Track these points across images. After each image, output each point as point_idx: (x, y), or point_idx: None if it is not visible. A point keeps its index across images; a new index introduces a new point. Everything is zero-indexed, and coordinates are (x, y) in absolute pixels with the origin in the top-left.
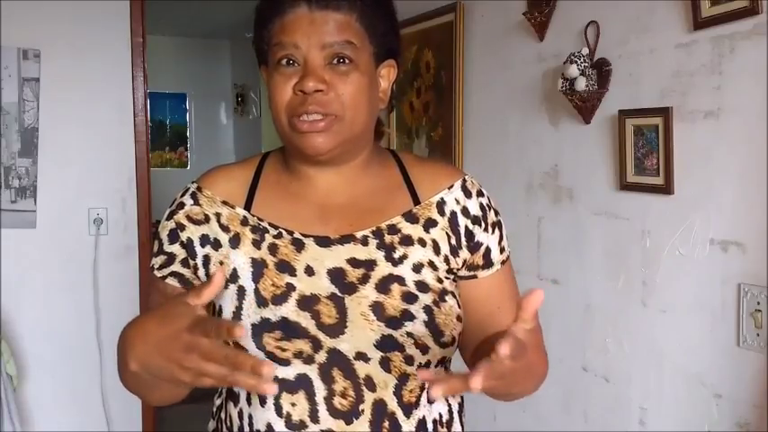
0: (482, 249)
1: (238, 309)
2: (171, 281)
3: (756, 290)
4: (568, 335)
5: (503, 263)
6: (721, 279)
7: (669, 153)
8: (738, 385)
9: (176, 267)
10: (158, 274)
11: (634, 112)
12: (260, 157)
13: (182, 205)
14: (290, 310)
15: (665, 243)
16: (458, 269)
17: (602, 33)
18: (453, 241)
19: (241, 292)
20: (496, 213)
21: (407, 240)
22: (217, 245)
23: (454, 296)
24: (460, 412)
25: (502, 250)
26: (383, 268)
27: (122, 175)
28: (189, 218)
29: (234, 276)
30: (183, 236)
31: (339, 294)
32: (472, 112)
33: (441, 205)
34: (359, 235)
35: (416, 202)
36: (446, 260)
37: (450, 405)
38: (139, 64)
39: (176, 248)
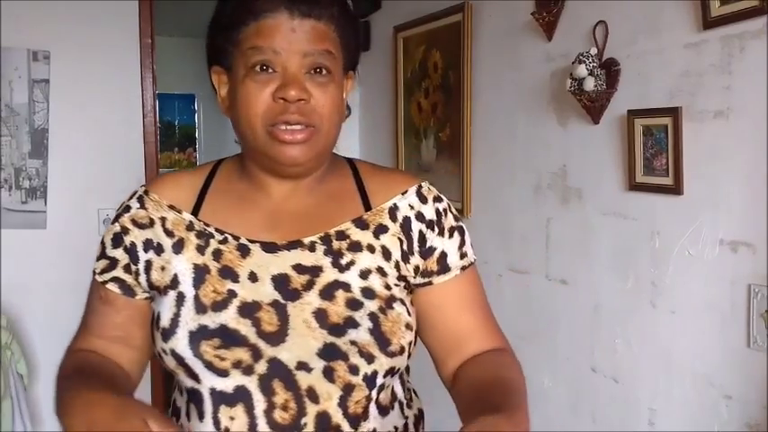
0: (436, 254)
1: (176, 315)
2: (111, 286)
3: (766, 290)
4: (577, 335)
5: (464, 269)
6: (731, 280)
7: (678, 153)
8: (748, 386)
9: (118, 273)
10: (99, 279)
11: (643, 112)
12: (213, 164)
13: (128, 209)
14: (229, 317)
15: (675, 244)
16: (410, 276)
17: (611, 33)
18: (405, 246)
19: (180, 298)
20: (456, 219)
21: (356, 246)
22: (159, 250)
23: (403, 303)
24: (418, 424)
25: (463, 256)
26: (329, 274)
27: (132, 176)
28: (134, 221)
29: (174, 282)
30: (127, 240)
31: (281, 301)
32: (480, 113)
33: (393, 211)
34: (306, 241)
35: (369, 209)
36: (396, 266)
37: (406, 417)
38: (148, 65)
39: (119, 253)
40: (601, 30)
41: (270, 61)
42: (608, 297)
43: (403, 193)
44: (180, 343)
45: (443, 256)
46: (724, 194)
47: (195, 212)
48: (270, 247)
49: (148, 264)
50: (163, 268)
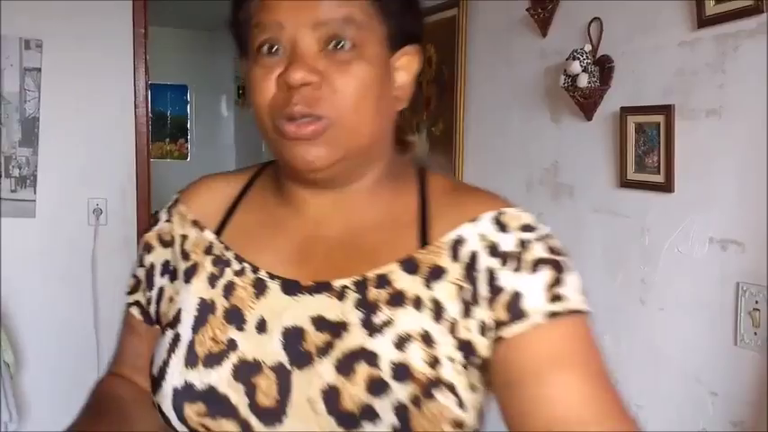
0: (506, 294)
1: (165, 364)
2: (134, 310)
3: (755, 289)
4: None
5: (554, 316)
6: (720, 278)
7: (670, 151)
8: (734, 384)
9: (139, 296)
10: (125, 299)
11: (636, 110)
12: (257, 168)
13: (158, 220)
14: (221, 377)
15: (665, 241)
16: (476, 340)
17: (606, 30)
18: (468, 295)
19: (175, 341)
20: (553, 251)
21: (398, 299)
22: (174, 276)
23: (453, 391)
24: None
25: (554, 299)
26: (354, 337)
27: (122, 165)
28: (159, 237)
29: (176, 320)
30: (148, 260)
31: (287, 366)
32: (473, 108)
33: (456, 245)
34: (336, 284)
35: (425, 242)
36: (452, 328)
37: None
38: (141, 55)
39: (141, 273)
40: (595, 27)
41: (275, 38)
42: (597, 293)
43: (473, 220)
44: (165, 401)
45: (516, 296)
46: (714, 193)
47: (220, 230)
48: (291, 287)
49: (161, 292)
50: (171, 299)
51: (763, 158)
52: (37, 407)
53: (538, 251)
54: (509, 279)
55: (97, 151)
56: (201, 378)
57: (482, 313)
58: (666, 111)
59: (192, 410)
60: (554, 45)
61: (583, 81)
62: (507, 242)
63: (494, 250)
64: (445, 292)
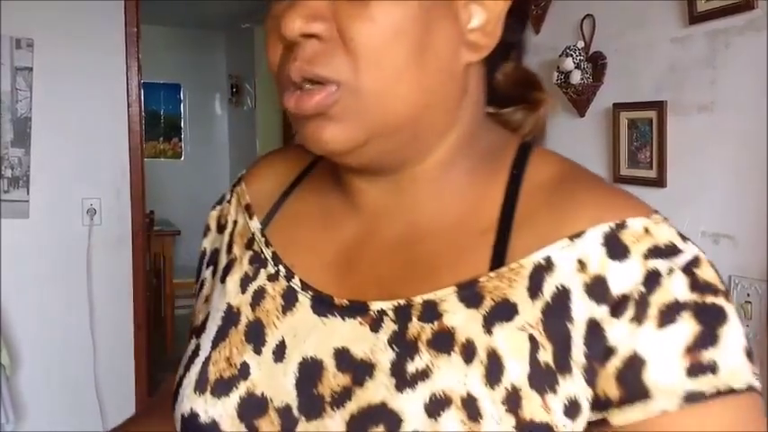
0: (617, 360)
1: (180, 380)
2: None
3: (746, 282)
4: None
5: (693, 398)
6: None
7: (663, 146)
8: None
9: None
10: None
11: (628, 106)
12: None
13: (222, 199)
14: (226, 411)
15: None
16: (547, 426)
17: (598, 27)
18: (547, 356)
19: (194, 355)
20: (702, 289)
21: (443, 341)
22: (216, 269)
23: None
24: None
25: (697, 370)
26: (378, 387)
27: (116, 165)
28: (218, 220)
29: (202, 326)
30: (203, 244)
31: (294, 413)
32: None
33: (539, 273)
34: (373, 308)
35: (500, 261)
36: (510, 401)
37: None
38: (134, 54)
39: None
40: (588, 23)
41: None
42: None
43: (573, 237)
44: (177, 425)
45: (635, 364)
46: (707, 187)
47: (268, 220)
48: (322, 305)
49: (202, 285)
50: (207, 299)
51: (754, 152)
52: (33, 407)
53: (677, 290)
54: (624, 335)
55: (90, 151)
56: (207, 408)
57: (573, 386)
58: (659, 107)
59: None
60: (547, 42)
61: (576, 78)
62: (625, 276)
63: (599, 289)
64: (510, 342)
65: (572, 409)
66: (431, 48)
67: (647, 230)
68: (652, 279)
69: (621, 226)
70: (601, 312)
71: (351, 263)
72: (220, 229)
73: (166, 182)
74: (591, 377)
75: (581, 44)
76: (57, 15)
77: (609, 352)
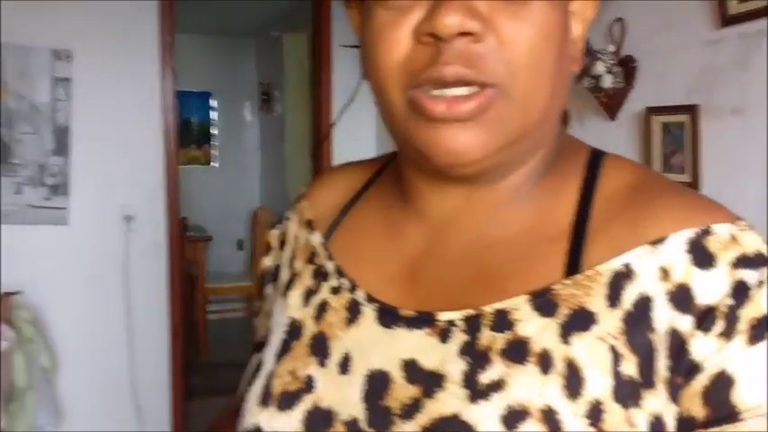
0: (704, 377)
1: (244, 395)
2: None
3: None
4: None
5: None
6: None
7: (696, 150)
8: None
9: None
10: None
11: (661, 110)
12: (388, 156)
13: (283, 217)
14: (291, 425)
15: None
16: None
17: (628, 30)
18: (630, 369)
19: (257, 369)
20: None
21: (517, 350)
22: (277, 285)
23: None
24: None
25: None
26: (449, 398)
27: (151, 172)
28: (280, 237)
29: (263, 342)
30: (264, 263)
31: (361, 426)
32: None
33: (618, 281)
34: (442, 319)
35: (575, 269)
36: (593, 414)
37: None
38: (168, 63)
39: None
40: (618, 27)
41: None
42: None
43: (654, 243)
44: None
45: (723, 382)
46: (741, 191)
47: (330, 233)
48: (387, 316)
49: (264, 302)
50: (269, 314)
51: None
52: (73, 408)
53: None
54: (711, 351)
55: (127, 158)
56: (271, 422)
57: (656, 402)
58: (692, 110)
59: None
60: None
61: (606, 82)
62: (711, 286)
63: (683, 299)
64: (589, 352)
65: (657, 426)
66: (564, 55)
67: (733, 238)
68: (740, 291)
69: (707, 232)
70: (685, 323)
71: (416, 274)
72: (282, 245)
73: (198, 188)
74: (673, 392)
75: (611, 48)
76: (94, 27)
77: (694, 368)
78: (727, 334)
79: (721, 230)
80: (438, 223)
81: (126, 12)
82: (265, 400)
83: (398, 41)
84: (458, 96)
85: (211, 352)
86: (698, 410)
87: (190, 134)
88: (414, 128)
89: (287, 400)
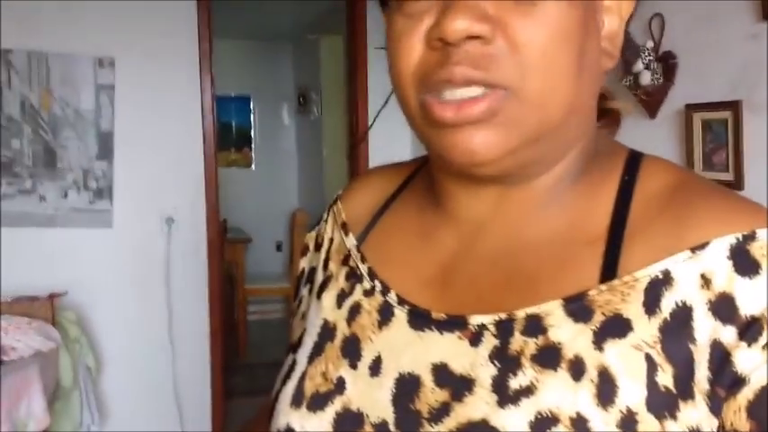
0: (749, 391)
1: (277, 394)
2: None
3: None
4: None
5: None
6: None
7: (739, 147)
8: None
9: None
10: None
11: (702, 106)
12: (423, 158)
13: (320, 219)
14: (322, 426)
15: None
16: None
17: (668, 26)
18: (666, 379)
19: (290, 370)
20: None
21: (549, 356)
22: (312, 287)
23: None
24: None
25: None
26: (478, 403)
27: (192, 175)
28: (316, 239)
29: (298, 343)
30: (301, 264)
31: (391, 429)
32: None
33: (656, 288)
34: (473, 322)
35: (611, 274)
36: (626, 424)
37: None
38: (207, 68)
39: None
40: (657, 22)
41: None
42: None
43: (695, 248)
44: None
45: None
46: None
47: (364, 236)
48: (419, 319)
49: (299, 303)
50: (304, 315)
51: None
52: (116, 408)
53: None
54: (757, 364)
55: (168, 162)
56: (302, 423)
57: (695, 413)
58: (734, 106)
59: None
60: None
61: (645, 78)
62: (755, 295)
63: (726, 308)
64: (624, 361)
65: None
66: (588, 53)
67: None
68: None
69: (751, 237)
70: (728, 334)
71: (448, 277)
72: (317, 247)
73: (237, 190)
74: (715, 405)
75: (650, 44)
76: (135, 35)
77: (739, 381)
78: None
79: (766, 236)
80: (470, 226)
81: (165, 19)
82: (297, 400)
83: (412, 48)
84: (466, 99)
85: (251, 353)
86: (742, 425)
87: (228, 137)
88: (430, 132)
89: (318, 402)
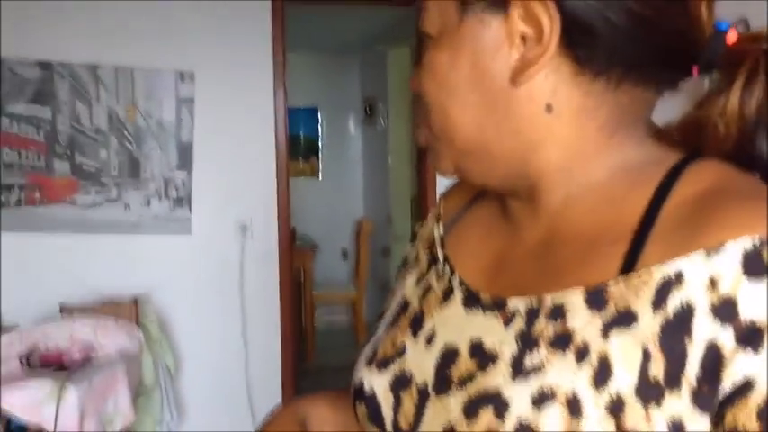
0: (758, 396)
1: (360, 355)
2: None
3: None
4: None
5: None
6: None
7: None
8: None
9: None
10: None
11: None
12: None
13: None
14: (383, 383)
15: None
16: None
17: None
18: (656, 370)
19: (372, 335)
20: None
21: (562, 340)
22: (406, 269)
23: None
24: None
25: None
26: (496, 375)
27: (265, 184)
28: (420, 230)
29: (383, 314)
30: (406, 250)
31: (429, 390)
32: None
33: (667, 286)
34: (510, 305)
35: (630, 267)
36: (614, 407)
37: None
38: (280, 81)
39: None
40: (741, 28)
41: None
42: None
43: (710, 251)
44: (352, 391)
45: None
46: None
47: (450, 227)
48: (471, 299)
49: (396, 283)
50: (394, 292)
51: None
52: (192, 407)
53: None
54: (750, 371)
55: (243, 172)
56: (370, 380)
57: (678, 404)
58: None
59: (360, 411)
60: None
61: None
62: (759, 299)
63: (727, 311)
64: (623, 350)
65: (675, 429)
66: (478, 80)
67: None
68: None
69: (763, 245)
70: (723, 337)
71: (499, 266)
72: (421, 237)
73: (305, 199)
74: (698, 399)
75: None
76: (214, 50)
77: (747, 384)
78: None
79: None
80: (518, 223)
81: (242, 34)
82: (371, 360)
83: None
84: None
85: (319, 358)
86: (753, 426)
87: (297, 148)
88: None
89: (383, 364)
